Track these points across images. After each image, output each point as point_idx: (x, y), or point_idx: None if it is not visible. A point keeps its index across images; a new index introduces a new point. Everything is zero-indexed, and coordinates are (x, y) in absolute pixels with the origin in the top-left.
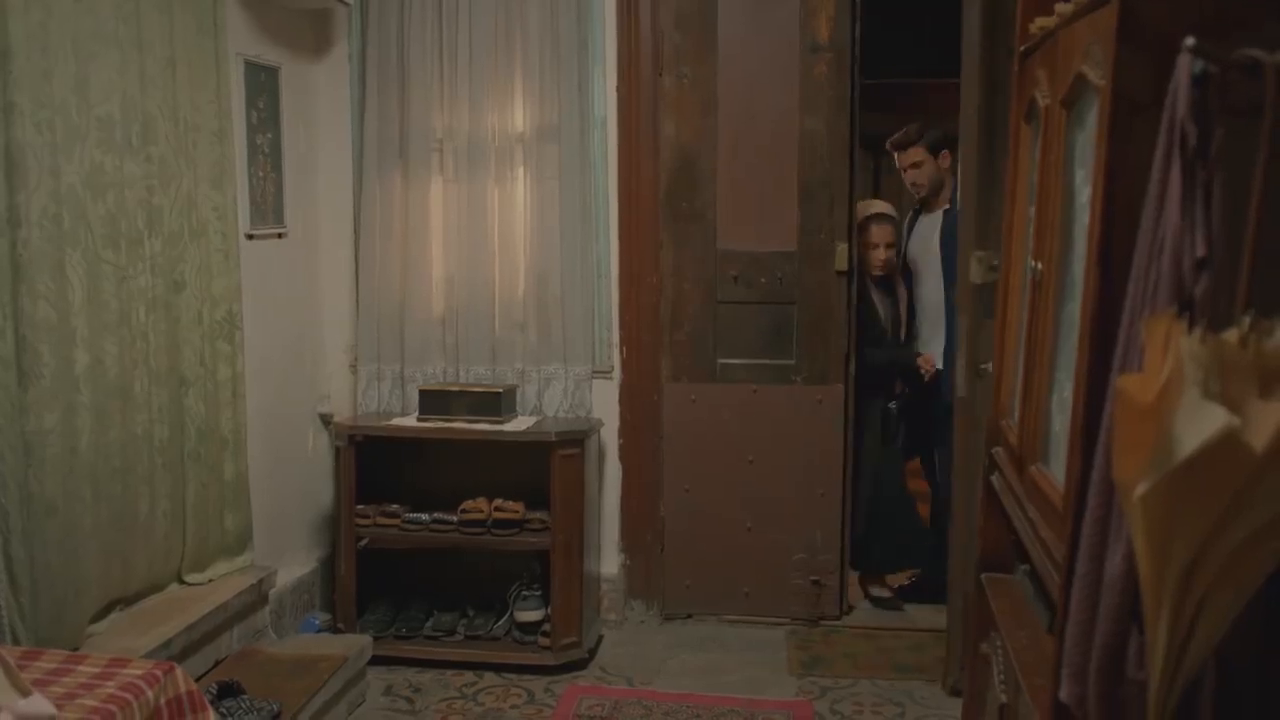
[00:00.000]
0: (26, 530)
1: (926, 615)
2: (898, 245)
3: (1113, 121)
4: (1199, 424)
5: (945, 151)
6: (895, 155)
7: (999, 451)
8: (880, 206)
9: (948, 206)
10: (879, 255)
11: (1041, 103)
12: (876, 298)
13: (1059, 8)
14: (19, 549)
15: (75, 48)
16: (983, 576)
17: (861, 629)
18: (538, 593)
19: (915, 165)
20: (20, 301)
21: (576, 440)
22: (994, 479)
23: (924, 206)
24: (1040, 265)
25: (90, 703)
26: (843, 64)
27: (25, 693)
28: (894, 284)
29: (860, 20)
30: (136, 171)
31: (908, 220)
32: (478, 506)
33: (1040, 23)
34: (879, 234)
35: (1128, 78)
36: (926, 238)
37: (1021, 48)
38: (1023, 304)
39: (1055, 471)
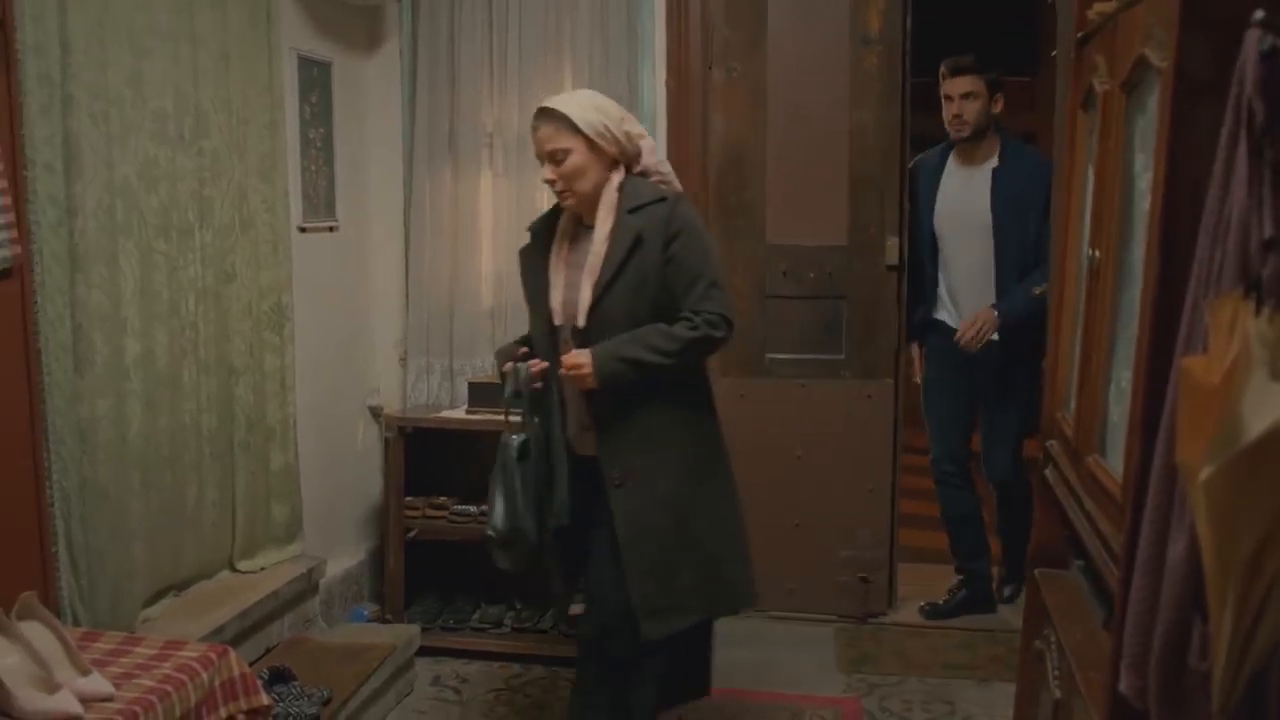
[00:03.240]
0: (84, 515)
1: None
2: (918, 196)
3: (1175, 104)
4: (1266, 406)
5: (1000, 94)
6: (943, 82)
7: (1053, 444)
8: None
9: (996, 164)
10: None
11: (1100, 89)
12: None
13: None
14: (78, 532)
15: (131, 42)
16: (1036, 572)
17: (910, 626)
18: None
19: (966, 96)
20: (77, 290)
21: None
22: (1048, 473)
23: (958, 154)
24: (1098, 253)
25: (147, 683)
26: (893, 57)
27: (85, 671)
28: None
29: (911, 13)
30: (189, 164)
31: (924, 169)
32: None
33: (1099, 8)
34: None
35: (1191, 59)
36: (968, 196)
37: (1079, 35)
38: (1079, 293)
39: (1113, 463)
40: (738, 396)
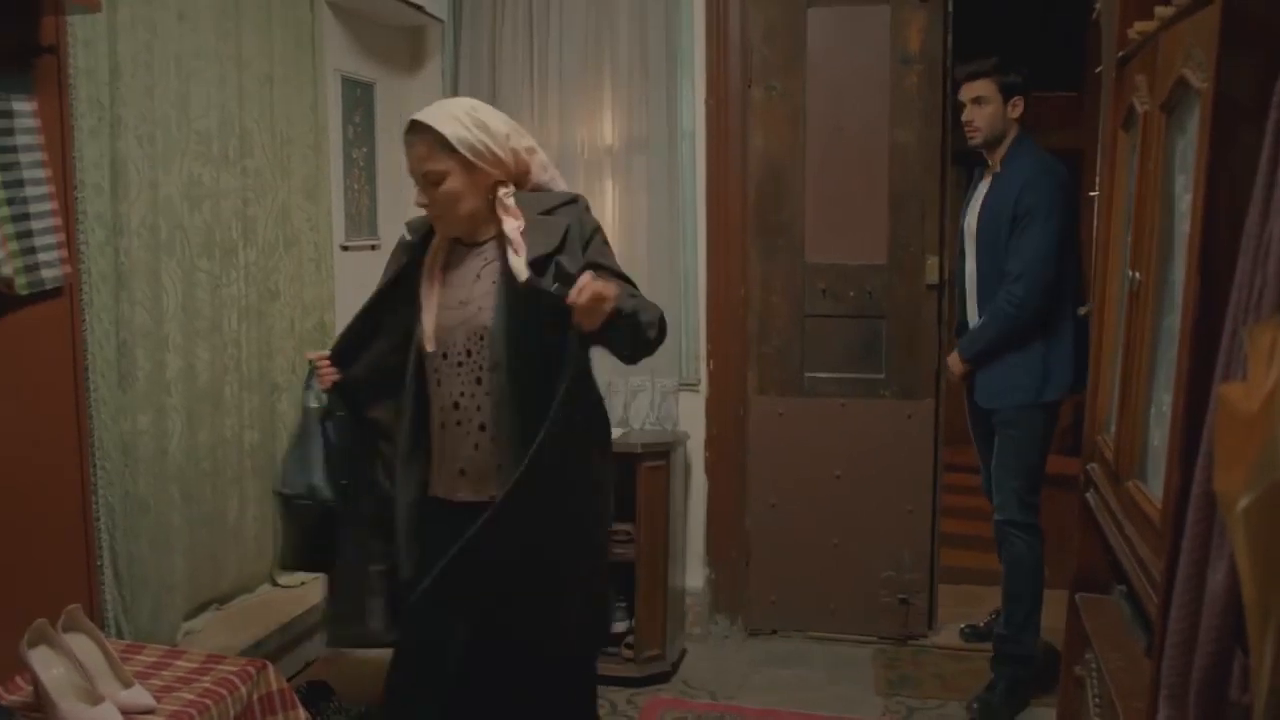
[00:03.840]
0: (127, 528)
1: None
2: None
3: (1215, 126)
4: None
5: (1018, 99)
6: (958, 88)
7: (1094, 467)
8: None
9: (999, 170)
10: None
11: (1140, 109)
12: None
13: (1159, 10)
14: (121, 546)
15: (177, 65)
16: (1077, 597)
17: (951, 649)
18: (622, 604)
19: (977, 101)
20: (121, 307)
21: (662, 453)
22: (1089, 496)
23: (988, 163)
24: (1138, 275)
25: (187, 696)
26: (934, 75)
27: (128, 684)
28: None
29: (951, 31)
30: (233, 183)
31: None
32: None
33: (1139, 27)
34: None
35: (1231, 80)
36: (973, 206)
37: (1119, 54)
38: (1119, 315)
39: (1153, 487)
40: (776, 415)
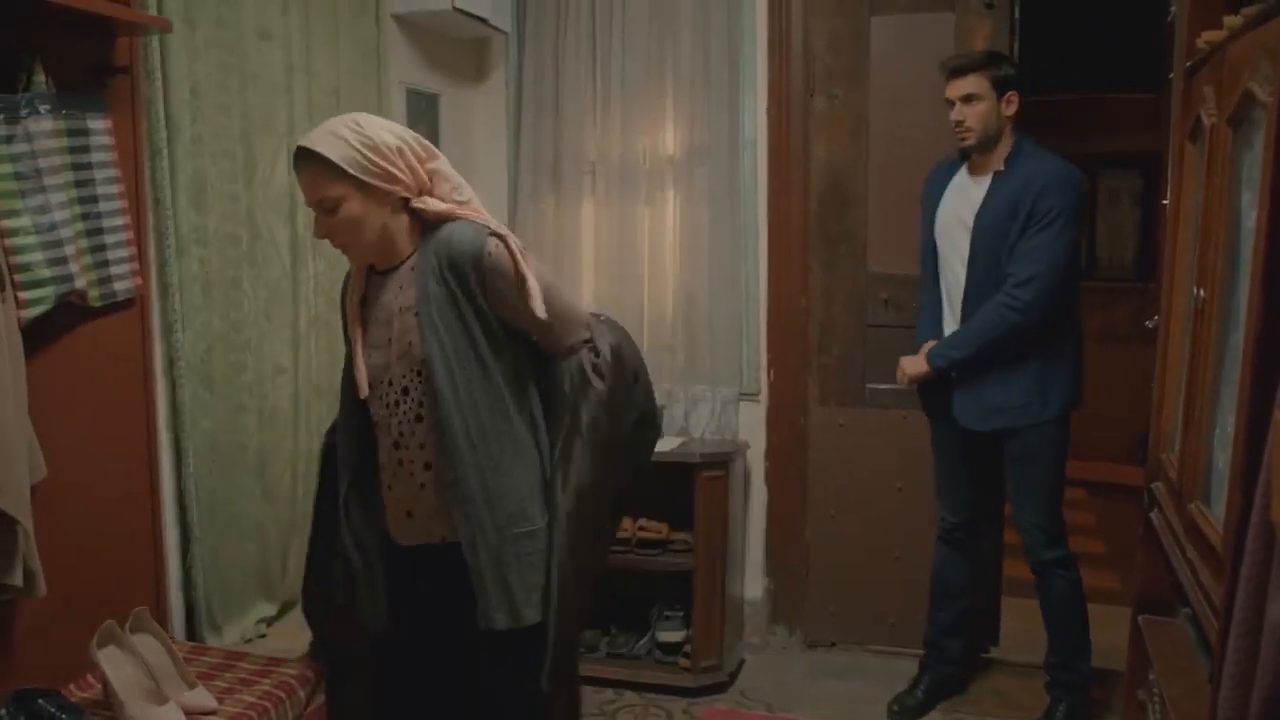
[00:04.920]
0: (195, 532)
1: None
2: (923, 212)
3: None
4: None
5: (1013, 94)
6: (945, 85)
7: (1159, 486)
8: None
9: (1002, 169)
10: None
11: (1207, 121)
12: None
13: (1228, 20)
14: (198, 547)
15: (253, 82)
16: (1141, 619)
17: (1012, 665)
18: (680, 614)
19: (968, 99)
20: (204, 315)
21: (722, 462)
22: (1153, 516)
23: (971, 164)
24: (1203, 292)
25: (248, 698)
26: None
27: (191, 685)
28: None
29: (1018, 37)
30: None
31: (931, 180)
32: (622, 526)
33: (1207, 36)
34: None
35: None
36: (962, 207)
37: (1187, 64)
38: (1185, 332)
39: (1216, 510)
40: (837, 426)
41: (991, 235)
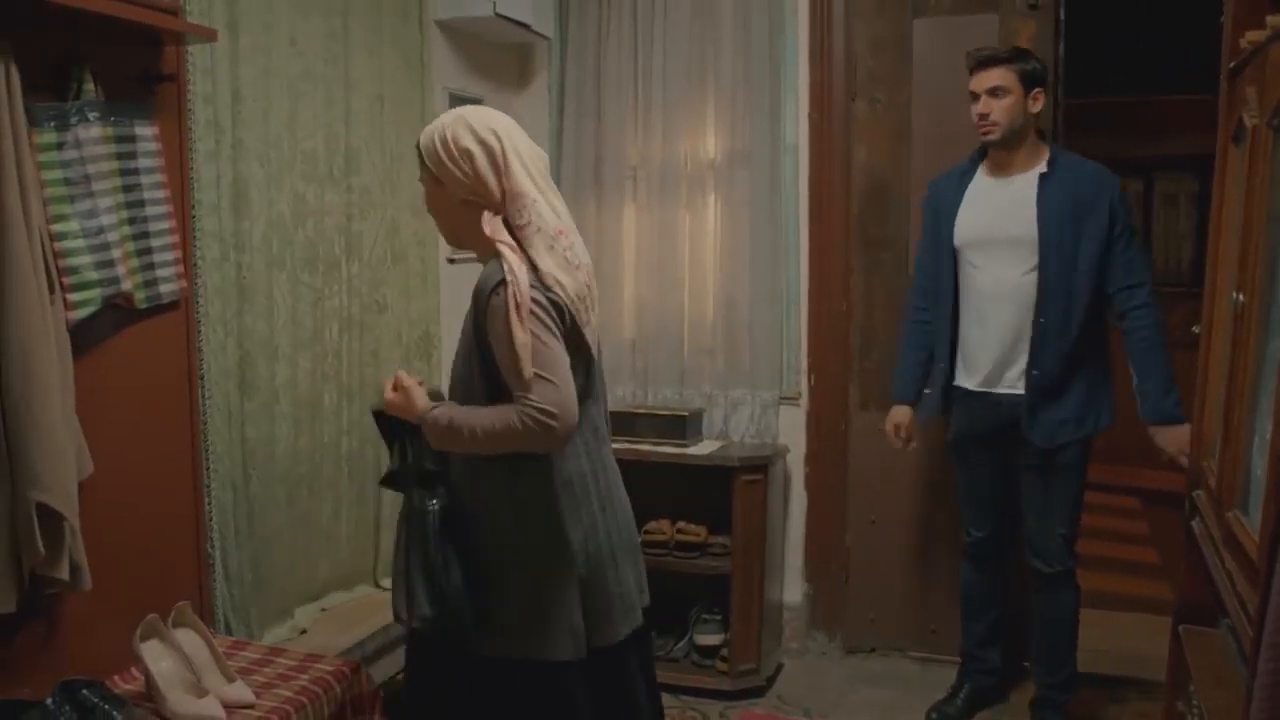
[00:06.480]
0: (237, 529)
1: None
2: (929, 226)
3: None
4: None
5: (1039, 91)
6: (971, 77)
7: (1200, 494)
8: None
9: (1045, 170)
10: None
11: (1249, 123)
12: None
13: (1270, 20)
14: (231, 546)
15: (290, 89)
16: (1181, 629)
17: None
18: (718, 617)
19: (994, 92)
20: (243, 319)
21: (761, 466)
22: (1195, 524)
23: (990, 164)
24: (1243, 297)
25: (285, 693)
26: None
27: (231, 679)
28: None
29: (1063, 39)
30: (337, 200)
31: (939, 191)
32: (660, 528)
33: (1250, 36)
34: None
35: None
36: (1003, 212)
37: (1230, 64)
38: (1226, 338)
39: (1254, 519)
40: (877, 430)
41: (1061, 235)
